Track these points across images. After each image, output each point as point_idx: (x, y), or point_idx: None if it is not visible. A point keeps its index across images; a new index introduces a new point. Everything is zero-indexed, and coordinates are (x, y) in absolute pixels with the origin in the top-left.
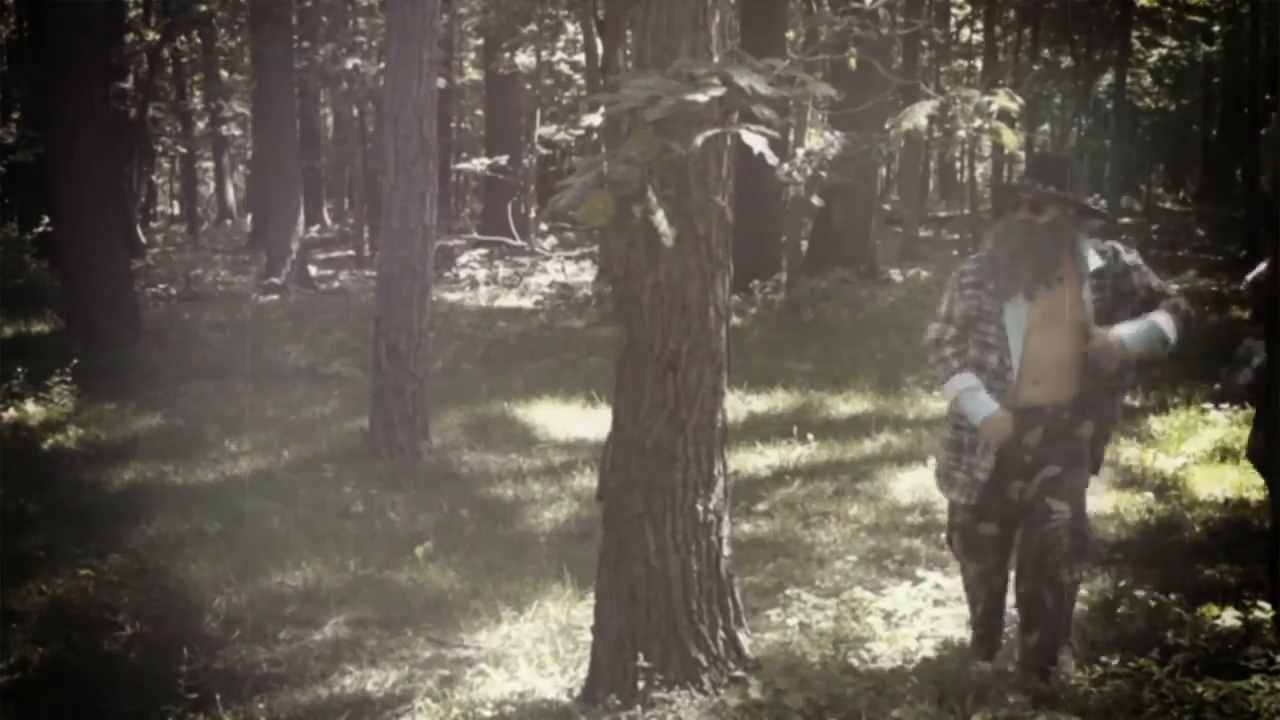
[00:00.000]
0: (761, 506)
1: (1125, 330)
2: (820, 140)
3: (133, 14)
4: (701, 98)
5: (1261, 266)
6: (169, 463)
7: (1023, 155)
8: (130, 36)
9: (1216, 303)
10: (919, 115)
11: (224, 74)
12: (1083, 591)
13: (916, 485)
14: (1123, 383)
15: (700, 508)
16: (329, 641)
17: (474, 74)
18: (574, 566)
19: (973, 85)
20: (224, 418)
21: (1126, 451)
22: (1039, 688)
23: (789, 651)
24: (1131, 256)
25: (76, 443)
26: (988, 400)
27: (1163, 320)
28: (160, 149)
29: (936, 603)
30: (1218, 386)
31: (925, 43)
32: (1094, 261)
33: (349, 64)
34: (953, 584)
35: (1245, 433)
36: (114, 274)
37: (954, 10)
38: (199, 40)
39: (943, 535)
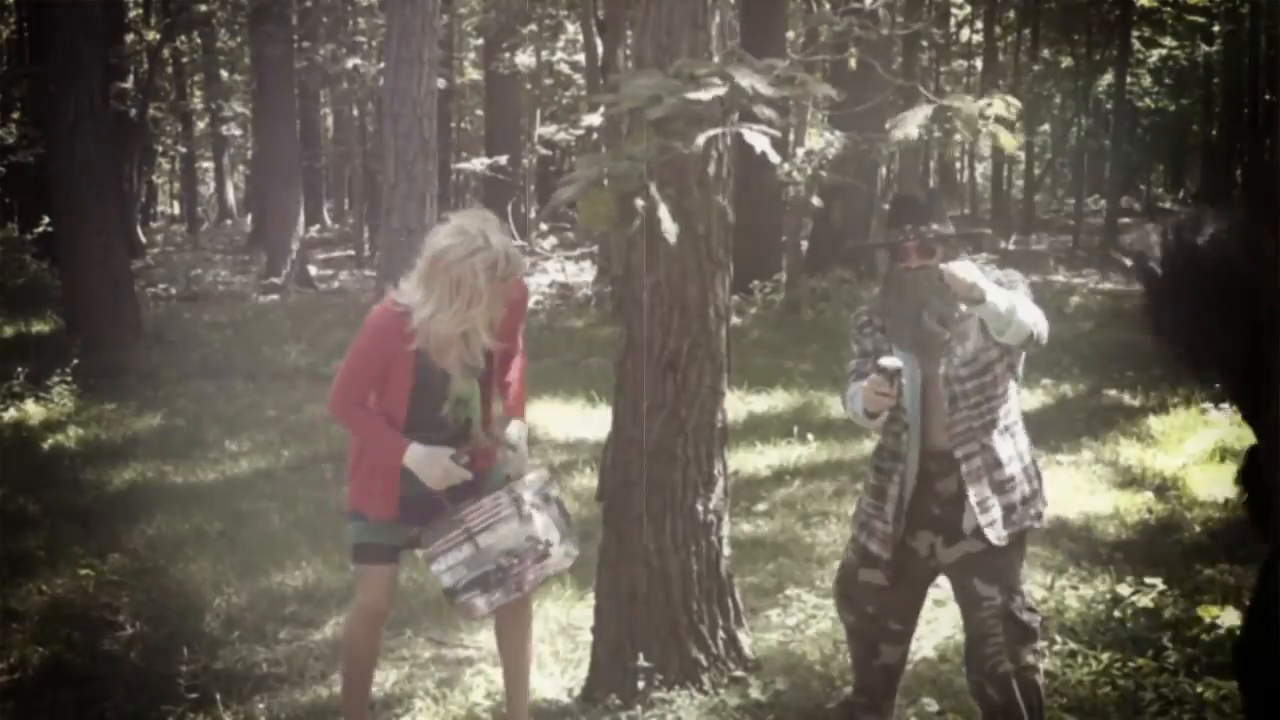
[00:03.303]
0: (761, 506)
1: (993, 288)
2: (820, 140)
3: (133, 14)
4: (703, 96)
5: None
6: (169, 463)
7: (1022, 156)
8: (130, 36)
9: None
10: (910, 126)
11: (224, 74)
12: (1083, 591)
13: None
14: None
15: (700, 508)
16: (329, 641)
17: (474, 74)
18: (574, 567)
19: (972, 86)
20: (224, 418)
21: (1126, 451)
22: None
23: (789, 651)
24: (1007, 278)
25: (76, 443)
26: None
27: (1022, 301)
28: (160, 149)
29: (936, 603)
30: (1217, 386)
31: (925, 43)
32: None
33: (349, 64)
34: None
35: (1246, 432)
36: (114, 274)
37: (954, 10)
38: (199, 40)
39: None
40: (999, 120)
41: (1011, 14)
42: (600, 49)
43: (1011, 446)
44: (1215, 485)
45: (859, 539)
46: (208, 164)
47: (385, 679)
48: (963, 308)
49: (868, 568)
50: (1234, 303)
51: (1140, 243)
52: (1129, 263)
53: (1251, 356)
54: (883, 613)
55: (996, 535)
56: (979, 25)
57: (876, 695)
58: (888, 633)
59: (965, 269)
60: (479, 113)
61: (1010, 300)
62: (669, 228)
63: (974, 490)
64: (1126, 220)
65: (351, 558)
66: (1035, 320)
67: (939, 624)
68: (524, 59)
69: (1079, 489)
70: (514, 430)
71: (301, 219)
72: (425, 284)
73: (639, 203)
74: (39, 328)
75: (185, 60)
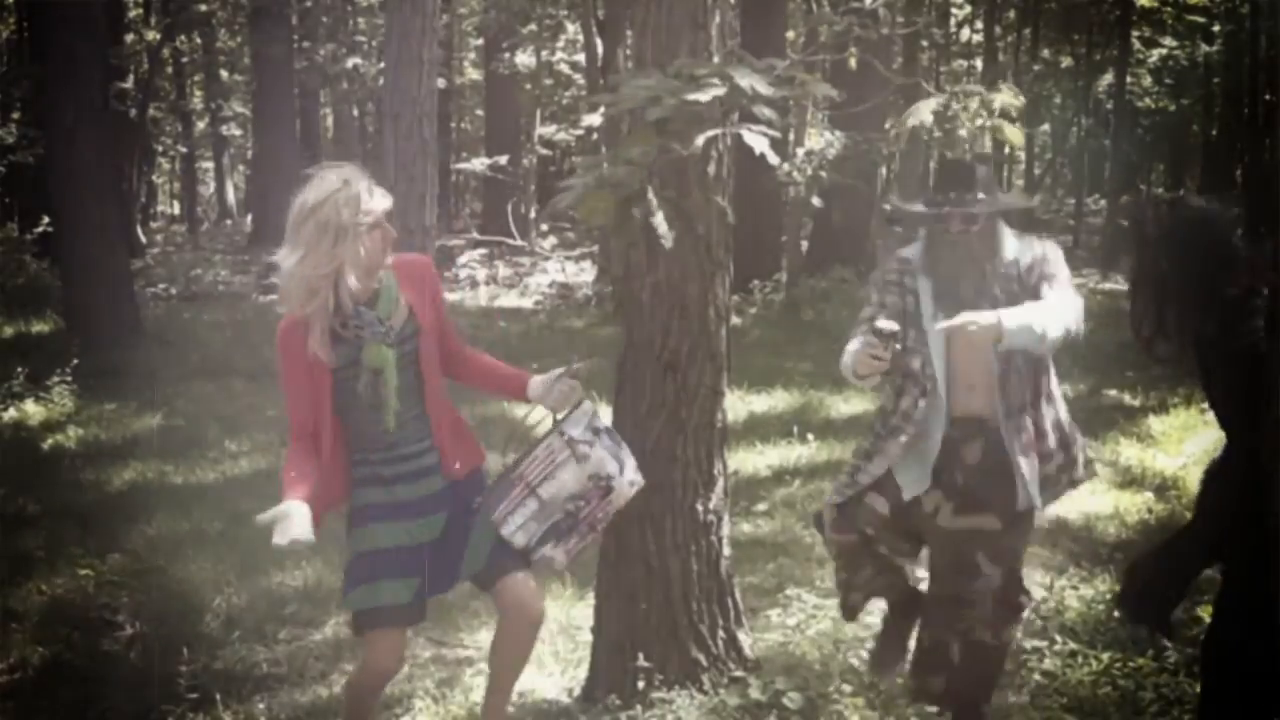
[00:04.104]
0: (761, 506)
1: (1005, 313)
2: (820, 140)
3: (133, 14)
4: (703, 97)
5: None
6: (169, 463)
7: (1022, 155)
8: (130, 36)
9: None
10: (924, 112)
11: (224, 74)
12: (1083, 591)
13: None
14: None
15: (700, 508)
16: (329, 641)
17: (474, 74)
18: (574, 566)
19: (973, 84)
20: (224, 418)
21: (1126, 451)
22: None
23: (789, 651)
24: (1043, 250)
25: (76, 443)
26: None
27: (1049, 310)
28: (160, 149)
29: None
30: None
31: (925, 43)
32: (1010, 253)
33: (349, 64)
34: None
35: None
36: (114, 274)
37: (954, 10)
38: (199, 40)
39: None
40: (1004, 112)
41: (1011, 14)
42: (600, 49)
43: (1054, 414)
44: None
45: (851, 477)
46: (208, 164)
47: None
48: (1003, 277)
49: (876, 493)
50: (1214, 274)
51: (1135, 211)
52: (1124, 224)
53: (1222, 338)
54: (877, 537)
55: (1038, 502)
56: (979, 25)
57: (902, 597)
58: (878, 558)
59: (982, 326)
60: (479, 113)
61: (1033, 318)
62: (665, 233)
63: (1025, 464)
64: (1126, 221)
65: (353, 625)
66: (1067, 323)
67: None
68: (524, 59)
69: (1079, 489)
70: (539, 378)
71: None
72: (293, 237)
73: (636, 210)
74: (39, 328)
75: (185, 60)
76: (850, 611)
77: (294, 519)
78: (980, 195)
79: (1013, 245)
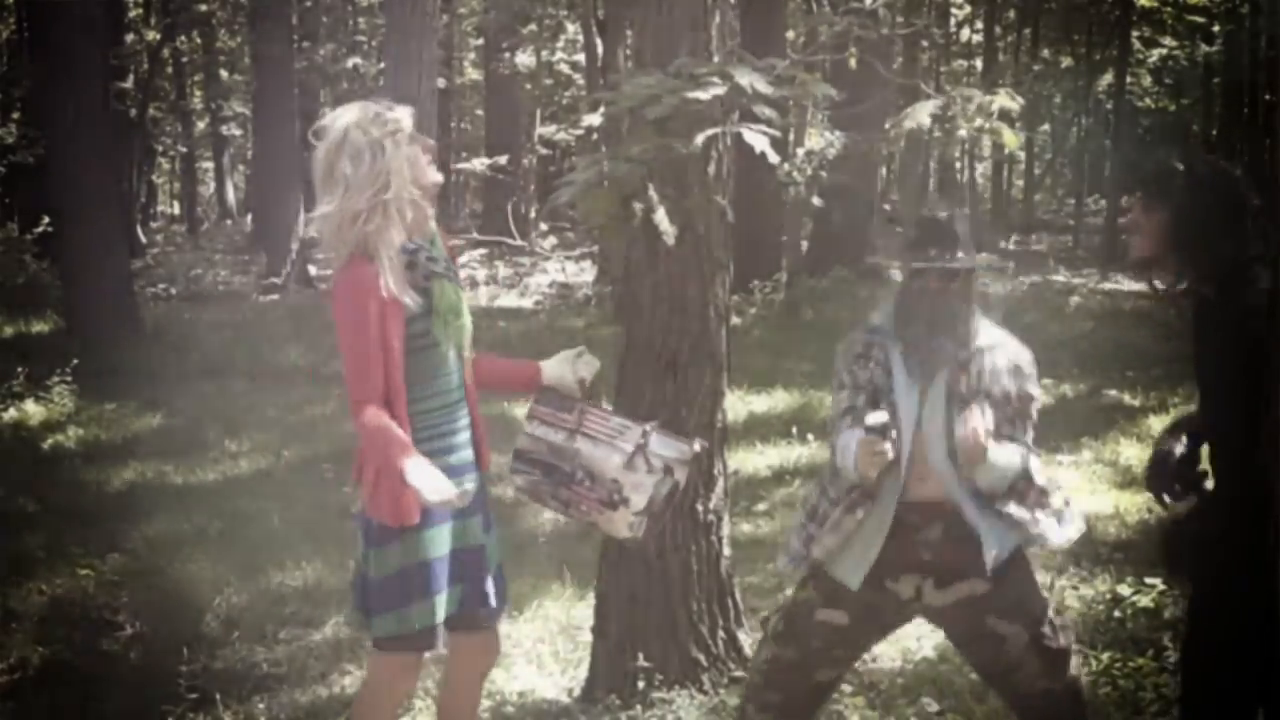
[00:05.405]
0: (761, 506)
1: (995, 448)
2: (820, 140)
3: (133, 14)
4: (703, 95)
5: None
6: (169, 463)
7: (1022, 155)
8: (130, 36)
9: None
10: (921, 114)
11: (224, 74)
12: (1083, 591)
13: None
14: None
15: (700, 508)
16: (329, 641)
17: (474, 74)
18: (574, 566)
19: (973, 85)
20: (224, 418)
21: (1126, 451)
22: None
23: None
24: (1030, 366)
25: (76, 443)
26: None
27: (1025, 462)
28: (160, 149)
29: None
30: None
31: (925, 43)
32: (985, 339)
33: (349, 64)
34: None
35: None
36: (114, 274)
37: (954, 10)
38: (199, 40)
39: (762, 615)
40: (1002, 115)
41: (1011, 14)
42: (600, 49)
43: (1028, 493)
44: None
45: (824, 572)
46: (208, 164)
47: None
48: (978, 342)
49: (830, 607)
50: (1220, 230)
51: (1162, 164)
52: (1150, 184)
53: (1220, 298)
54: (829, 645)
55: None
56: (979, 25)
57: (798, 710)
58: (829, 659)
59: (979, 439)
60: (479, 113)
61: (1005, 461)
62: (667, 230)
63: (986, 527)
64: (1125, 220)
65: (394, 646)
66: (1016, 470)
67: None
68: (524, 59)
69: (1079, 489)
70: (552, 360)
71: (301, 219)
72: (326, 184)
73: (637, 205)
74: (39, 328)
75: (185, 60)
76: None
77: (435, 474)
78: (960, 255)
79: (981, 328)
